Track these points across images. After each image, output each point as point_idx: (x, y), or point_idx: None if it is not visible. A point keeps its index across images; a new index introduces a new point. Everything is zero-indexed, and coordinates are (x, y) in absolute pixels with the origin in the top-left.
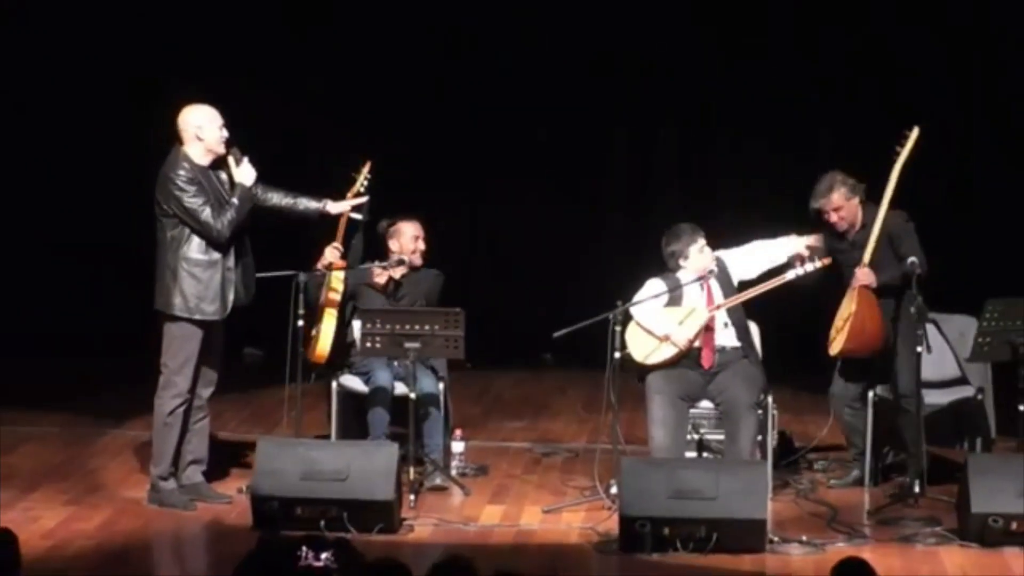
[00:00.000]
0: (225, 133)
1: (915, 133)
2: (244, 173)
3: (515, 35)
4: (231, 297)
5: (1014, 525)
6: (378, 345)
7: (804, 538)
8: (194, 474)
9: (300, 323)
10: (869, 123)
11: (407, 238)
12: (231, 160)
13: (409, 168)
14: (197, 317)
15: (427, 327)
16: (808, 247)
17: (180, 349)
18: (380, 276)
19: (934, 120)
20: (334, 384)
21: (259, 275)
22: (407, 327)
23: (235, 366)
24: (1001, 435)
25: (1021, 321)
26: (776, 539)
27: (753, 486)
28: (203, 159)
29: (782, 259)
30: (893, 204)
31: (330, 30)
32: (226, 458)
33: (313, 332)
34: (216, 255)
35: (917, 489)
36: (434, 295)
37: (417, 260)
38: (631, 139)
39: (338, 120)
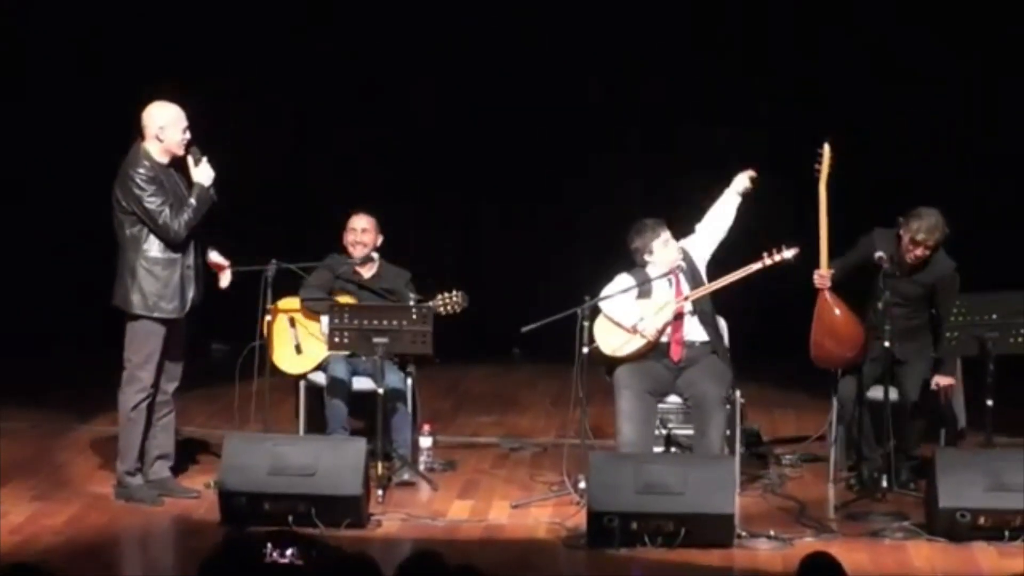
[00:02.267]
0: (187, 136)
1: (827, 149)
2: (202, 173)
3: (491, 37)
4: (191, 295)
5: (982, 520)
6: (346, 340)
7: (772, 533)
8: (161, 469)
9: (268, 318)
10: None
11: (354, 233)
12: (190, 159)
13: (379, 164)
14: (156, 315)
15: (395, 322)
16: (750, 177)
17: (142, 345)
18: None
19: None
20: (301, 380)
21: (234, 268)
22: (375, 322)
23: (203, 361)
24: (971, 430)
25: (988, 316)
26: (744, 534)
27: (721, 481)
28: (162, 157)
29: (733, 208)
30: (829, 216)
31: (328, 29)
32: (194, 454)
33: (297, 344)
34: (176, 254)
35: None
36: (406, 298)
37: (361, 252)
38: (600, 136)
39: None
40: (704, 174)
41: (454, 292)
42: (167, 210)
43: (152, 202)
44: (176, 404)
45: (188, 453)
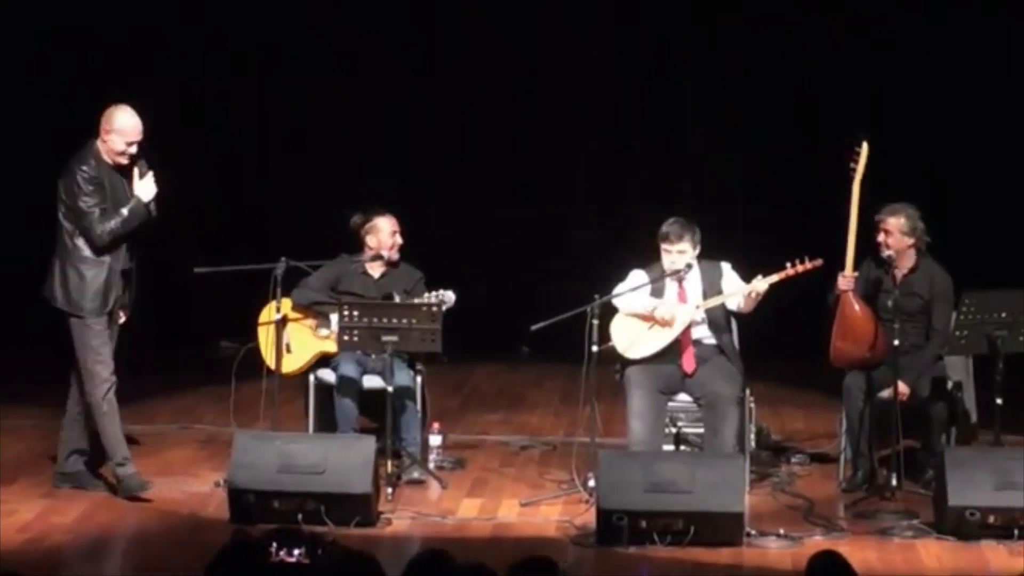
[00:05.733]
0: (131, 150)
1: (865, 148)
2: (144, 187)
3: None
4: (112, 296)
5: (991, 518)
6: (356, 338)
7: (781, 531)
8: (76, 463)
9: (279, 315)
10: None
11: (385, 234)
12: (136, 171)
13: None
14: (76, 312)
15: (404, 320)
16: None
17: (87, 340)
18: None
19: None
20: (311, 377)
21: (239, 267)
22: (384, 320)
23: (212, 359)
24: (980, 428)
25: (998, 314)
26: (753, 532)
27: (730, 479)
28: (108, 158)
29: (743, 301)
30: (860, 217)
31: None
32: (203, 451)
33: (287, 344)
34: (104, 256)
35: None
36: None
37: (395, 255)
38: (605, 135)
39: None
40: (715, 170)
41: (439, 292)
42: (96, 212)
43: (85, 202)
44: (185, 401)
45: (197, 451)
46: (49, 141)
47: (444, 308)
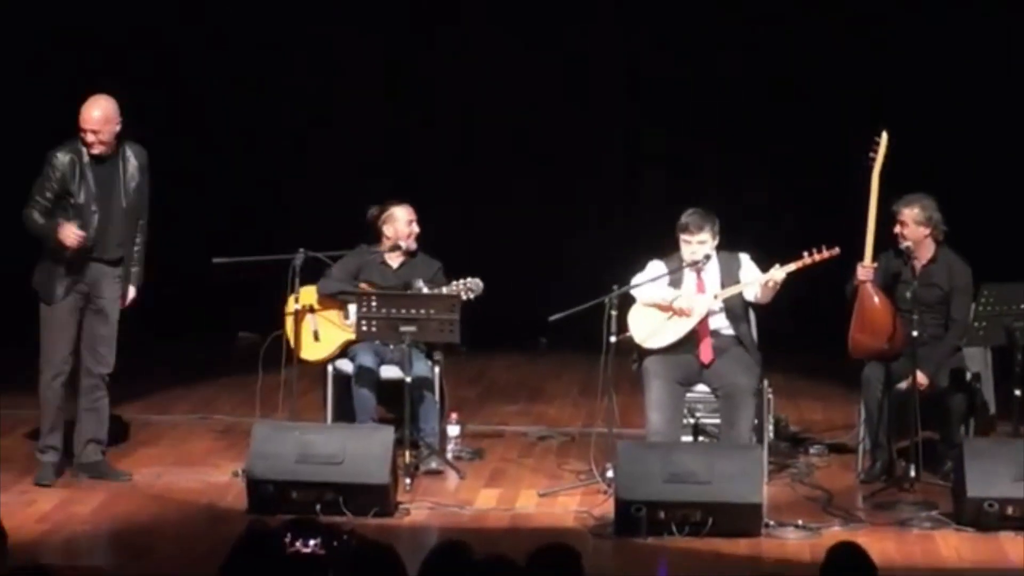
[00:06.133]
0: (88, 138)
1: (884, 138)
2: (67, 234)
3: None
4: (71, 285)
5: (1010, 510)
6: (374, 328)
7: (800, 522)
8: (93, 453)
9: (297, 306)
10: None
11: (402, 223)
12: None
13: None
14: (40, 295)
15: (423, 311)
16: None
17: (45, 323)
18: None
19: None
20: (329, 368)
21: (257, 258)
22: (403, 311)
23: (230, 349)
24: (999, 420)
25: (1017, 305)
26: (772, 523)
27: (749, 470)
28: (90, 148)
29: (760, 291)
30: (879, 207)
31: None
32: (221, 442)
33: (315, 331)
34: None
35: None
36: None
37: (412, 244)
38: (625, 125)
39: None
40: (734, 161)
41: (468, 279)
42: (36, 198)
43: (36, 184)
44: (204, 392)
45: (215, 440)
46: (49, 141)
47: (474, 296)
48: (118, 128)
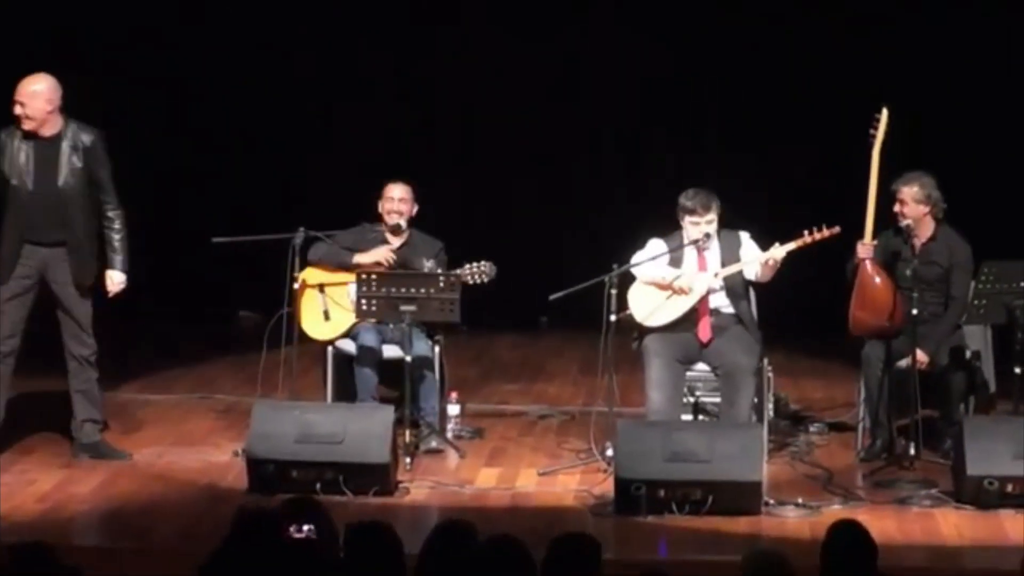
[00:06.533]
0: (16, 110)
1: (885, 115)
2: None
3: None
4: (24, 266)
5: (1010, 487)
6: (374, 308)
7: (800, 500)
8: (92, 433)
9: (296, 285)
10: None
11: (389, 201)
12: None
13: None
14: None
15: (423, 290)
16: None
17: None
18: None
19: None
20: (329, 347)
21: (257, 237)
22: (403, 290)
23: (231, 329)
24: (1000, 398)
25: (1017, 283)
26: (771, 501)
27: (748, 449)
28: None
29: (760, 270)
30: (880, 185)
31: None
32: (222, 421)
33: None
34: (18, 226)
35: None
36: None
37: (396, 220)
38: (628, 105)
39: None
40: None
41: (482, 263)
42: None
43: None
44: (204, 372)
45: (216, 420)
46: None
47: (487, 279)
48: (50, 107)
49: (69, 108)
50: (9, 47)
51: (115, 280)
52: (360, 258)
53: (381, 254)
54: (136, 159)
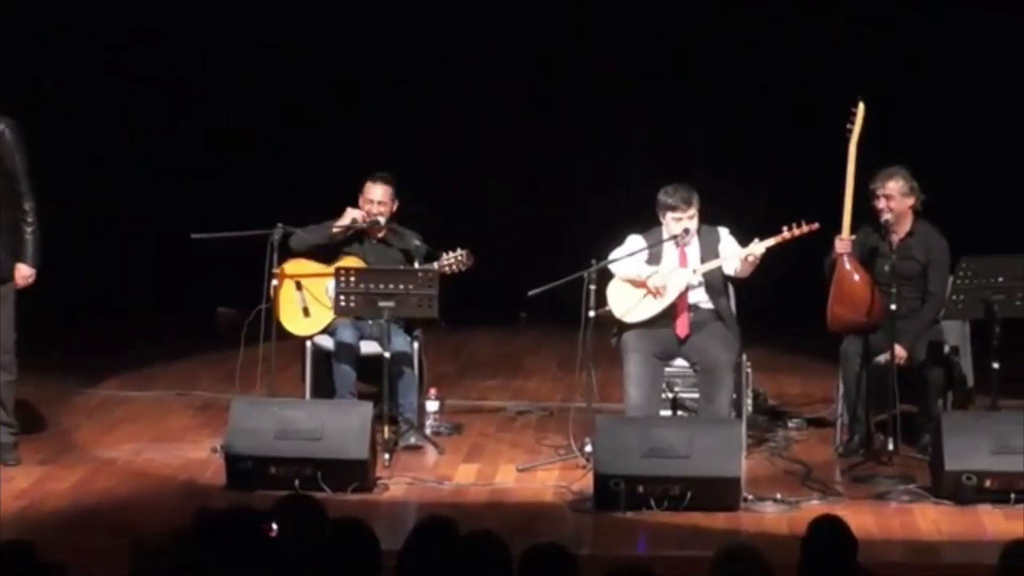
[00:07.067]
0: None
1: (861, 108)
2: None
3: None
4: None
5: (987, 482)
6: (352, 304)
7: (778, 496)
8: None
9: (275, 281)
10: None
11: (367, 202)
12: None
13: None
14: None
15: (401, 286)
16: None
17: None
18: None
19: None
20: (308, 343)
21: (236, 233)
22: (381, 286)
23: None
24: (977, 393)
25: (994, 278)
26: (750, 497)
27: (727, 444)
28: None
29: (740, 266)
30: (856, 179)
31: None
32: (200, 418)
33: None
34: None
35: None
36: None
37: (372, 219)
38: (606, 101)
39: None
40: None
41: (458, 251)
42: None
43: None
44: (182, 368)
45: (194, 417)
46: (48, 141)
47: (465, 268)
48: None
49: (69, 108)
50: (9, 47)
51: (23, 273)
52: (337, 223)
53: (354, 214)
54: (136, 159)
